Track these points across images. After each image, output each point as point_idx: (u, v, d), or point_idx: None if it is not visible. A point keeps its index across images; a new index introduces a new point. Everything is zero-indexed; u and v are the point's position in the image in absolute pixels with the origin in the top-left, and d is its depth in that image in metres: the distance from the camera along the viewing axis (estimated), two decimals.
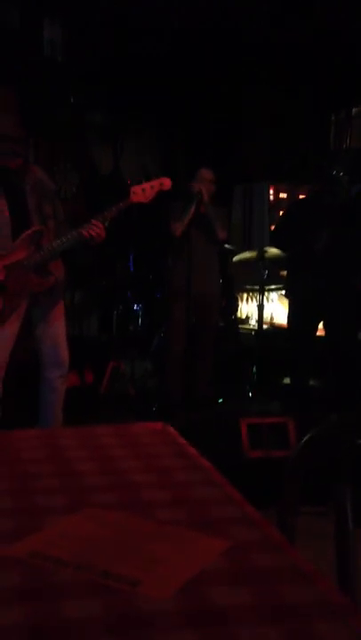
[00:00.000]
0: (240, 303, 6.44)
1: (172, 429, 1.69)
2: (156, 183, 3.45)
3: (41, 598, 0.90)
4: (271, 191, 6.90)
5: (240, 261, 5.43)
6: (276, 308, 6.28)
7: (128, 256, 5.36)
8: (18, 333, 3.32)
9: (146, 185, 3.42)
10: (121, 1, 6.15)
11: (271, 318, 6.17)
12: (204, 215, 4.42)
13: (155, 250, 6.02)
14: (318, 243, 4.16)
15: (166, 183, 3.47)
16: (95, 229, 3.24)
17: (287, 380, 4.79)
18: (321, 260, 4.17)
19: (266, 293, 5.81)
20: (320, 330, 4.48)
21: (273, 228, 5.56)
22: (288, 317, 4.61)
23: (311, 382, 4.60)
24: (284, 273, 6.06)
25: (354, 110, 7.00)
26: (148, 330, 5.80)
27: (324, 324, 4.43)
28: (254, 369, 5.24)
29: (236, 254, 5.52)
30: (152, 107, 7.19)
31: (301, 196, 6.46)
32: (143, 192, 3.39)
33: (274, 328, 5.89)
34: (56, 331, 3.42)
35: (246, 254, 5.36)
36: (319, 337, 4.49)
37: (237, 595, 0.91)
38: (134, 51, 6.70)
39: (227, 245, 5.18)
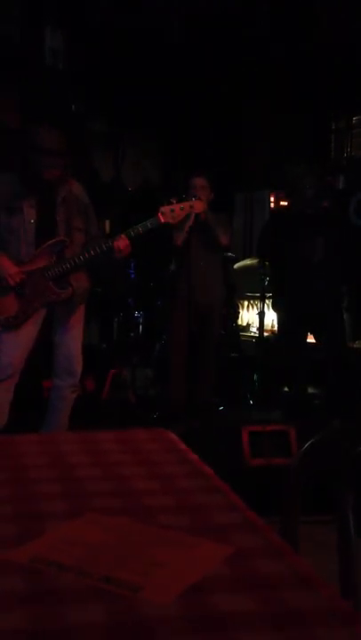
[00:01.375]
0: (241, 311, 6.44)
1: (173, 435, 1.69)
2: (186, 205, 3.44)
3: (43, 603, 0.90)
4: (272, 199, 6.91)
5: (241, 269, 5.43)
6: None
7: (129, 263, 5.36)
8: (35, 339, 3.35)
9: (176, 206, 3.42)
10: (122, 10, 6.18)
11: (272, 326, 6.16)
12: (204, 222, 4.41)
13: (156, 257, 6.03)
14: (314, 253, 4.17)
15: (197, 207, 3.47)
16: (123, 242, 3.27)
17: (287, 388, 4.79)
18: (309, 270, 4.19)
19: (267, 301, 5.81)
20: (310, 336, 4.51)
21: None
22: (278, 327, 4.64)
23: (311, 390, 4.60)
24: None
25: (354, 119, 7.02)
26: (149, 337, 5.79)
27: (312, 333, 4.45)
28: (255, 377, 5.23)
29: (237, 262, 5.53)
30: (153, 114, 7.21)
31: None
32: (172, 212, 3.39)
33: (275, 335, 5.88)
34: (71, 341, 3.46)
35: (247, 262, 5.38)
36: (314, 344, 4.51)
37: (239, 601, 0.90)
38: (135, 59, 6.73)
39: (228, 253, 5.18)
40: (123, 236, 3.32)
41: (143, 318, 5.89)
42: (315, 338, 4.41)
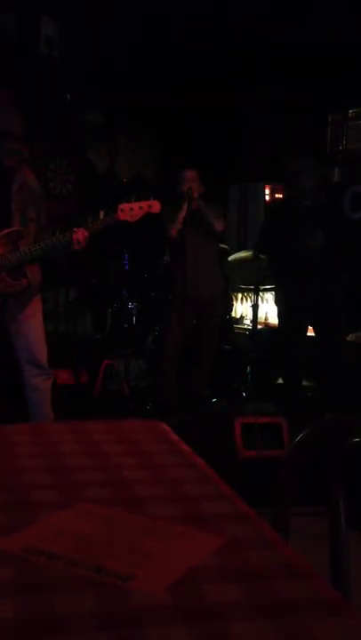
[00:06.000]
0: (235, 303, 6.44)
1: (165, 426, 1.69)
2: (145, 205, 3.46)
3: (33, 593, 0.89)
4: (267, 191, 6.90)
5: (235, 261, 5.43)
6: (271, 309, 6.28)
7: (123, 254, 5.35)
8: None
9: (135, 205, 3.44)
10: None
11: (266, 318, 6.17)
12: (197, 211, 4.40)
13: (150, 248, 6.02)
14: (312, 244, 4.16)
15: (155, 207, 3.50)
16: (80, 235, 3.24)
17: (281, 380, 4.79)
18: (309, 262, 4.18)
19: (261, 293, 5.81)
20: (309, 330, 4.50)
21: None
22: (278, 319, 4.63)
23: (304, 382, 4.61)
24: None
25: (350, 112, 7.01)
26: (142, 329, 5.79)
27: (312, 325, 4.44)
28: (248, 369, 5.24)
29: (231, 254, 5.52)
30: (148, 105, 7.18)
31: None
32: (131, 211, 3.41)
33: (268, 328, 5.89)
34: (28, 330, 3.39)
35: (241, 254, 5.36)
36: (310, 337, 4.50)
37: (230, 591, 0.91)
38: (131, 49, 6.69)
39: (222, 245, 5.17)
40: (82, 228, 3.28)
41: (137, 309, 5.89)
42: (314, 331, 4.40)
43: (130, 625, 0.83)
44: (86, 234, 3.27)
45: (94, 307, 6.51)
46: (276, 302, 4.82)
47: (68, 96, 6.75)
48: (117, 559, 0.98)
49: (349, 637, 0.82)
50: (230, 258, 5.42)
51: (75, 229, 3.27)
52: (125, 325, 5.40)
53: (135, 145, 7.58)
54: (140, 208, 3.43)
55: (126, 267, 5.33)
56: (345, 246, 4.28)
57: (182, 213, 4.29)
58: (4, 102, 3.29)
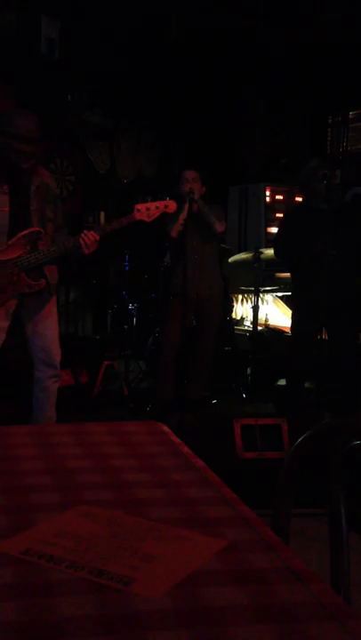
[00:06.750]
0: (235, 304, 6.44)
1: (166, 428, 1.68)
2: (161, 204, 3.46)
3: (34, 595, 0.89)
4: (268, 192, 6.90)
5: (235, 262, 5.43)
6: (271, 310, 6.29)
7: (123, 255, 5.35)
8: (7, 330, 3.32)
9: (151, 204, 3.44)
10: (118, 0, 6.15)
11: (266, 320, 6.17)
12: (198, 213, 4.41)
13: (150, 249, 6.02)
14: (326, 249, 4.13)
15: (171, 206, 3.50)
16: (90, 239, 3.24)
17: (281, 382, 4.79)
18: (329, 265, 4.15)
19: (261, 295, 5.81)
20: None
21: (274, 235, 5.58)
22: (293, 322, 4.61)
23: (306, 384, 4.60)
24: (280, 275, 6.07)
25: (351, 113, 7.01)
26: (142, 329, 5.79)
27: (326, 328, 4.43)
28: (249, 370, 5.23)
29: (231, 255, 5.52)
30: (149, 106, 7.19)
31: (298, 199, 6.45)
32: (147, 211, 3.41)
33: (269, 329, 5.89)
34: (45, 331, 3.41)
35: (242, 255, 5.37)
36: (318, 340, 4.49)
37: (231, 594, 0.90)
38: (131, 49, 6.70)
39: (222, 245, 5.17)
40: (92, 232, 3.27)
41: (137, 310, 5.89)
42: (328, 334, 4.39)
43: (130, 628, 0.83)
44: (97, 237, 3.27)
45: (94, 307, 6.51)
46: (292, 304, 4.80)
47: (69, 96, 6.76)
48: (118, 562, 0.98)
49: None
50: (230, 259, 5.43)
51: (84, 232, 3.26)
52: (125, 326, 5.40)
53: (135, 145, 7.58)
54: (157, 208, 3.43)
55: (127, 267, 5.33)
56: (358, 250, 4.27)
57: (183, 214, 4.30)
58: (20, 106, 3.27)
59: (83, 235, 3.25)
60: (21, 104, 5.83)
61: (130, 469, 1.38)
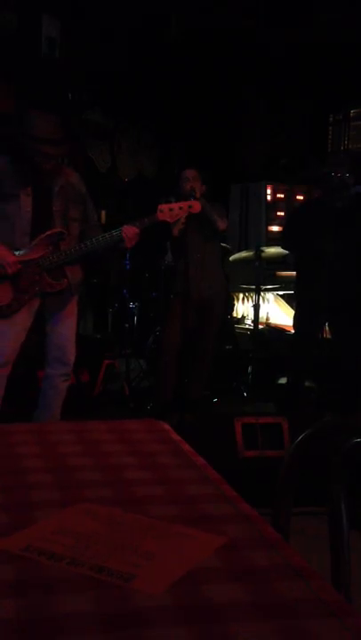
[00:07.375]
0: (236, 303, 6.44)
1: (166, 426, 1.68)
2: (185, 205, 3.47)
3: (34, 592, 0.89)
4: (269, 191, 6.90)
5: (236, 261, 5.42)
6: (273, 309, 6.28)
7: (124, 254, 5.35)
8: (29, 329, 3.34)
9: (174, 205, 3.45)
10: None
11: (267, 318, 6.17)
12: (199, 211, 4.40)
13: (151, 248, 6.02)
14: (332, 247, 4.12)
15: (195, 207, 3.50)
16: (131, 232, 3.28)
17: (282, 381, 4.78)
18: (331, 264, 4.15)
19: (262, 293, 5.81)
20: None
21: (282, 230, 5.56)
22: (294, 320, 4.61)
23: (306, 383, 4.60)
24: (281, 273, 6.07)
25: (352, 111, 7.01)
26: (143, 328, 5.78)
27: (329, 327, 4.42)
28: (249, 369, 5.23)
29: (232, 254, 5.52)
30: (149, 106, 7.18)
31: (299, 198, 6.44)
32: (170, 212, 3.41)
33: (270, 328, 5.89)
34: (63, 330, 3.45)
35: (243, 254, 5.36)
36: (319, 339, 4.49)
37: (231, 591, 0.91)
38: (132, 49, 6.69)
39: (223, 244, 5.16)
40: (131, 225, 3.32)
41: (138, 309, 5.89)
42: (331, 333, 4.39)
43: (131, 625, 0.83)
44: (137, 230, 3.30)
45: (95, 306, 6.51)
46: (294, 302, 4.79)
47: (70, 95, 6.76)
48: (118, 559, 0.98)
49: (350, 638, 0.82)
50: (231, 258, 5.42)
51: (124, 227, 3.30)
52: (126, 325, 5.39)
53: (136, 145, 7.58)
54: (181, 208, 3.44)
55: (127, 266, 5.33)
56: (358, 249, 4.26)
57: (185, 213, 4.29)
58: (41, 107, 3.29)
59: (124, 228, 3.29)
60: (21, 104, 5.84)
61: (130, 467, 1.39)
